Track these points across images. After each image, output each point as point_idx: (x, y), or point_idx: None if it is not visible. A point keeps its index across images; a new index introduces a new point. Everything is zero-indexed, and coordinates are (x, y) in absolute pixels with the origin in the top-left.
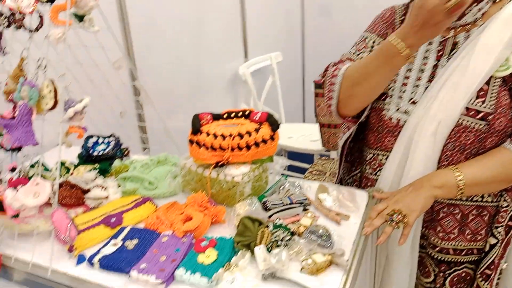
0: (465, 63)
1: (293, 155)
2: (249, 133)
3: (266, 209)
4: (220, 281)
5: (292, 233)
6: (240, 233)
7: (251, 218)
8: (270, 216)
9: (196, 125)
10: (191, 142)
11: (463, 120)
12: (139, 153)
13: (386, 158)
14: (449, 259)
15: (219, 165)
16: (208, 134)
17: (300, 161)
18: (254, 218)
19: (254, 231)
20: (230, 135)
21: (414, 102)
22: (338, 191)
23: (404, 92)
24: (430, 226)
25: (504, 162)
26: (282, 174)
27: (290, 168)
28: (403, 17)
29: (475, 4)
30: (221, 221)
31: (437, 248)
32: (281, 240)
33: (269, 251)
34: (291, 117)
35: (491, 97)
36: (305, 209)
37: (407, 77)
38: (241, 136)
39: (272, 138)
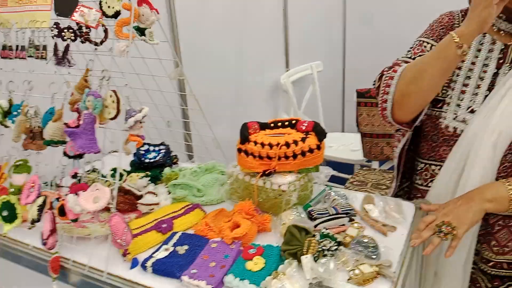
0: None
1: (333, 165)
2: (295, 142)
3: (312, 218)
4: None
5: (339, 243)
6: (287, 241)
7: (298, 227)
8: (316, 226)
9: (245, 134)
10: (239, 150)
11: None
12: (186, 161)
13: (439, 169)
14: (504, 274)
15: (266, 173)
16: (256, 143)
17: (339, 171)
18: (301, 227)
19: (301, 240)
20: (277, 144)
21: (472, 111)
22: (385, 202)
23: (462, 100)
24: (484, 240)
25: None
26: (326, 184)
27: (330, 178)
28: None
29: None
30: (267, 229)
31: (491, 263)
32: (328, 249)
33: (316, 261)
34: (331, 126)
35: None
36: (351, 220)
37: (465, 85)
38: (288, 145)
39: (318, 147)
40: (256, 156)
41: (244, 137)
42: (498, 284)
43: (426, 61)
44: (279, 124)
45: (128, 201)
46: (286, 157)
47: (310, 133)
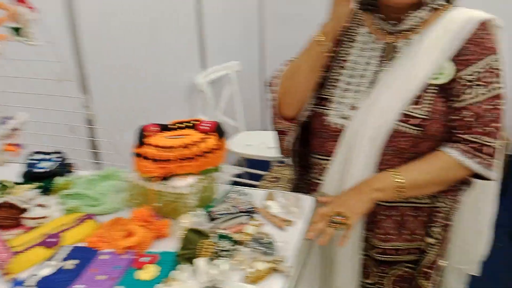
0: (404, 70)
1: (253, 163)
2: (195, 144)
3: (212, 219)
4: None
5: (236, 243)
6: (183, 246)
7: (195, 230)
8: (214, 227)
9: (140, 137)
10: (136, 155)
11: (399, 125)
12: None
13: (328, 163)
14: (390, 260)
15: (164, 177)
16: (153, 146)
17: (260, 169)
18: (198, 230)
19: (197, 243)
20: (176, 146)
21: (354, 108)
22: (285, 197)
23: (345, 98)
24: (370, 228)
25: (443, 167)
26: (236, 183)
27: (251, 176)
28: (346, 24)
29: (416, 11)
30: (165, 235)
31: (378, 250)
32: (224, 250)
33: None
34: (252, 125)
35: (426, 104)
36: (252, 218)
37: (349, 83)
38: (187, 146)
39: (218, 147)
40: (153, 159)
41: (140, 140)
42: (385, 269)
43: (298, 59)
44: (180, 125)
45: (11, 216)
46: (186, 159)
47: (211, 133)
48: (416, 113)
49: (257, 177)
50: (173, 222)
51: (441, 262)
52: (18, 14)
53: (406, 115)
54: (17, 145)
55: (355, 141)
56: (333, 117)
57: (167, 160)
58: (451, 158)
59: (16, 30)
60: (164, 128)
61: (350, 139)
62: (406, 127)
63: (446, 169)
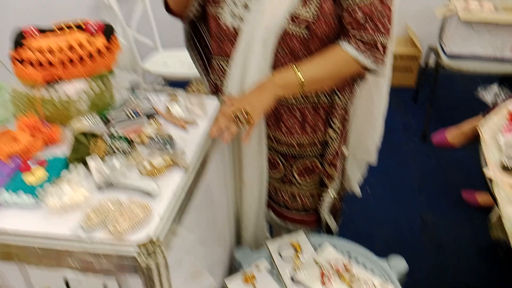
0: None
1: (172, 83)
2: (81, 45)
3: (106, 123)
4: (48, 197)
5: (131, 142)
6: (75, 149)
7: (86, 134)
8: (109, 129)
9: (17, 39)
10: (13, 60)
11: (287, 26)
12: None
13: (226, 64)
14: (295, 153)
15: (50, 83)
16: (34, 50)
17: (182, 87)
18: (90, 133)
19: (88, 145)
20: (60, 49)
21: (247, 7)
22: (187, 99)
23: None
24: (275, 127)
25: (339, 62)
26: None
27: None
28: None
29: None
30: (57, 141)
31: (283, 144)
32: (118, 150)
33: None
34: (169, 43)
35: (313, 5)
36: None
37: None
38: (72, 48)
39: (109, 49)
40: (35, 64)
41: (16, 42)
42: (292, 161)
43: None
44: (65, 27)
45: None
46: (72, 62)
47: (99, 34)
48: (303, 13)
49: None
50: (65, 128)
51: (344, 151)
52: None
53: (293, 16)
54: None
55: (250, 43)
56: (227, 17)
57: (52, 64)
58: (347, 54)
59: None
60: (46, 30)
61: (246, 41)
62: (294, 28)
63: (342, 64)
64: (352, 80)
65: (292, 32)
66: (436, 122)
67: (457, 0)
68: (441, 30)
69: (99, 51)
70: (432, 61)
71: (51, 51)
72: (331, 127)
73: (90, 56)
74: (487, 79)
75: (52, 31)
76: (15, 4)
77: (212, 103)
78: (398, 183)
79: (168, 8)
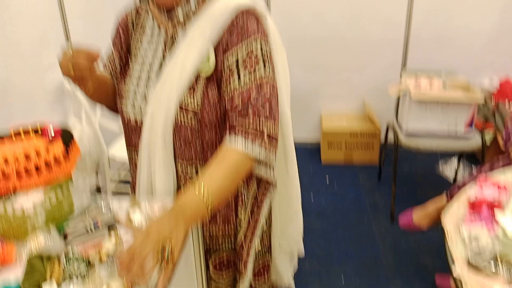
0: (177, 60)
1: None
2: (37, 153)
3: (64, 238)
4: None
5: (89, 264)
6: (28, 274)
7: (42, 256)
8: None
9: None
10: None
11: (178, 117)
12: None
13: (136, 154)
14: (208, 247)
15: (3, 196)
16: None
17: None
18: (45, 255)
19: (43, 269)
20: (16, 159)
21: (145, 99)
22: (148, 206)
23: (138, 89)
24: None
25: (236, 165)
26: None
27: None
28: (135, 17)
29: (183, 4)
30: (10, 262)
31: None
32: (75, 274)
33: None
34: None
35: (199, 93)
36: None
37: (140, 73)
38: (28, 157)
39: (65, 157)
40: None
41: None
42: (206, 256)
43: None
44: (22, 133)
45: None
46: (28, 172)
47: (57, 140)
48: (190, 102)
49: None
50: (19, 245)
51: (254, 244)
52: None
53: (182, 107)
54: None
55: (151, 136)
56: (129, 109)
57: (4, 175)
58: (238, 152)
59: None
60: (2, 137)
61: (147, 133)
62: (184, 117)
63: (239, 166)
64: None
65: (183, 122)
66: (402, 200)
67: (408, 79)
68: (397, 108)
69: (56, 159)
70: (391, 137)
71: (6, 161)
72: (237, 215)
73: (47, 165)
74: (446, 154)
75: (8, 136)
76: None
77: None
78: (371, 269)
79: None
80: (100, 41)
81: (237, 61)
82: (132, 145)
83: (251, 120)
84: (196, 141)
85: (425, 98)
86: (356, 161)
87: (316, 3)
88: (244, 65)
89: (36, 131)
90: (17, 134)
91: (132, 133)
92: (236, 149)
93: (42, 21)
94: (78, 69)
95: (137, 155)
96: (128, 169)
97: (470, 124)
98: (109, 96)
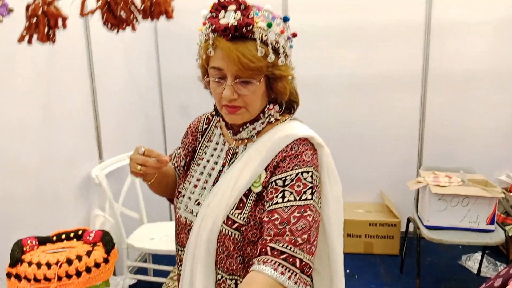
0: (232, 175)
1: (158, 258)
2: (79, 258)
3: None
4: None
5: None
6: None
7: None
8: None
9: (16, 255)
10: (8, 275)
11: (223, 228)
12: None
13: (183, 254)
14: None
15: None
16: (30, 264)
17: (168, 264)
18: None
19: None
20: (57, 263)
21: (199, 204)
22: None
23: (193, 193)
24: None
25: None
26: (140, 282)
27: (156, 273)
28: (206, 126)
29: (249, 124)
30: None
31: None
32: None
33: None
34: (155, 216)
35: (246, 210)
36: None
37: (198, 180)
38: (70, 262)
39: (106, 260)
40: (31, 279)
41: (14, 258)
42: None
43: None
44: (63, 236)
45: None
46: (69, 277)
47: (97, 244)
48: (237, 217)
49: (166, 274)
50: None
51: None
52: None
53: (228, 219)
54: None
55: (197, 241)
56: (182, 210)
57: (48, 279)
58: (267, 279)
59: None
60: (44, 240)
61: (195, 238)
62: (228, 230)
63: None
64: None
65: (227, 234)
66: None
67: (426, 174)
68: (417, 202)
69: (96, 264)
70: (412, 228)
71: (48, 265)
72: None
73: (88, 269)
74: (470, 247)
75: (51, 240)
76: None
77: None
78: None
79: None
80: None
81: (284, 181)
82: (180, 242)
83: (286, 238)
84: (237, 254)
85: (445, 193)
86: (378, 252)
87: (334, 102)
88: (291, 187)
89: (77, 235)
90: (59, 238)
91: (181, 231)
92: (263, 272)
93: (78, 122)
94: (145, 167)
95: (182, 253)
96: (143, 259)
97: (492, 218)
98: (168, 188)
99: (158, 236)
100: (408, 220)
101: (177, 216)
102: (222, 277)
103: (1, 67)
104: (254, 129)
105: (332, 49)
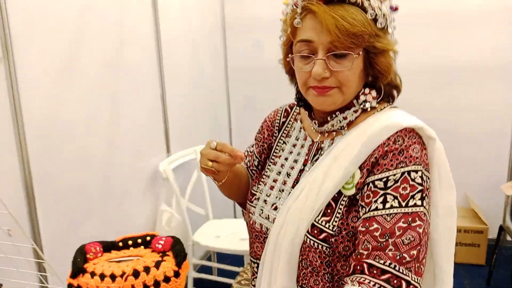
0: (318, 175)
1: (223, 257)
2: (147, 270)
3: None
4: None
5: None
6: None
7: None
8: None
9: (78, 264)
10: (69, 287)
11: (307, 238)
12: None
13: (257, 267)
14: None
15: None
16: (93, 275)
17: (232, 263)
18: None
19: None
20: (122, 275)
21: (276, 208)
22: None
23: (269, 196)
24: None
25: None
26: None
27: (220, 272)
28: (284, 119)
29: (339, 113)
30: None
31: None
32: None
33: None
34: (221, 212)
35: (336, 217)
36: None
37: (275, 180)
38: (136, 274)
39: (176, 274)
40: None
41: (76, 267)
42: None
43: None
44: (130, 242)
45: None
46: None
47: (167, 253)
48: (324, 226)
49: (230, 274)
50: None
51: None
52: None
53: (314, 227)
54: None
55: (275, 253)
56: (256, 216)
57: None
58: None
59: None
60: (108, 247)
61: (272, 249)
62: (314, 241)
63: None
64: None
65: (312, 246)
66: None
67: None
68: (511, 207)
69: (166, 277)
70: (503, 237)
71: (113, 277)
72: None
73: (157, 284)
74: None
75: (117, 246)
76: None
77: None
78: None
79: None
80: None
81: (386, 182)
82: (253, 253)
83: (390, 254)
84: (324, 270)
85: None
86: (460, 260)
87: (415, 99)
88: (395, 189)
89: (145, 241)
90: (126, 244)
91: (255, 240)
92: None
93: (146, 116)
94: (217, 163)
95: (256, 266)
96: (206, 256)
97: None
98: (240, 191)
99: (224, 234)
100: (501, 228)
101: (251, 222)
102: None
103: (71, 59)
104: (345, 118)
105: (414, 35)
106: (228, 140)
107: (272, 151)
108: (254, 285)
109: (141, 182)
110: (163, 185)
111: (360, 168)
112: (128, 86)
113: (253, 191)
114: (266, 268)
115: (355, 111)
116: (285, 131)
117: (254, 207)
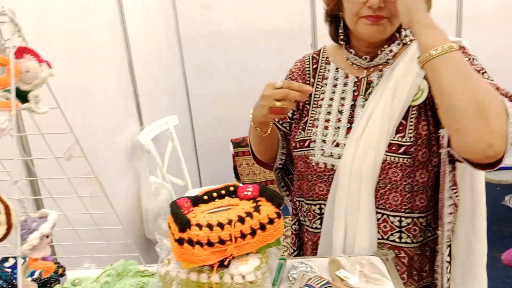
0: (382, 102)
1: None
2: (249, 215)
3: None
4: None
5: None
6: None
7: None
8: None
9: (183, 218)
10: (180, 241)
11: (387, 156)
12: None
13: (319, 208)
14: None
15: (224, 264)
16: (200, 226)
17: None
18: None
19: None
20: (229, 222)
21: (338, 145)
22: (358, 264)
23: (326, 135)
24: None
25: (483, 85)
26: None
27: None
28: (315, 66)
29: (387, 46)
30: None
31: None
32: None
33: None
34: (197, 182)
35: (409, 130)
36: None
37: (327, 120)
38: (242, 220)
39: (278, 215)
40: (204, 243)
41: (184, 221)
42: None
43: (250, 136)
44: (214, 195)
45: None
46: (243, 236)
47: (258, 199)
48: (401, 140)
49: None
50: None
51: None
52: (26, 72)
53: (391, 145)
54: (46, 259)
55: (350, 180)
56: (318, 157)
57: (222, 242)
58: (499, 97)
59: (21, 95)
60: (195, 201)
61: (346, 178)
62: (394, 156)
63: (485, 89)
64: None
65: (393, 161)
66: None
67: None
68: None
69: (271, 220)
70: None
71: (221, 226)
72: (435, 269)
73: (262, 227)
74: None
75: (203, 200)
76: None
77: (381, 263)
78: None
79: (256, 159)
80: None
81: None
82: (314, 195)
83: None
84: (405, 182)
85: None
86: None
87: None
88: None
89: (228, 191)
90: (211, 195)
91: (317, 181)
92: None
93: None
94: (286, 101)
95: (317, 207)
96: None
97: None
98: (274, 146)
99: None
100: None
101: (313, 164)
102: (383, 215)
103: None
104: (391, 51)
105: None
106: (187, 106)
107: (312, 96)
108: (314, 228)
109: (119, 156)
110: (144, 157)
111: (426, 78)
112: (97, 58)
113: (302, 138)
114: (339, 202)
115: (399, 44)
116: (319, 76)
117: (313, 149)
